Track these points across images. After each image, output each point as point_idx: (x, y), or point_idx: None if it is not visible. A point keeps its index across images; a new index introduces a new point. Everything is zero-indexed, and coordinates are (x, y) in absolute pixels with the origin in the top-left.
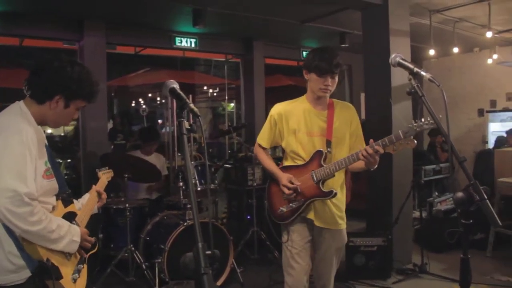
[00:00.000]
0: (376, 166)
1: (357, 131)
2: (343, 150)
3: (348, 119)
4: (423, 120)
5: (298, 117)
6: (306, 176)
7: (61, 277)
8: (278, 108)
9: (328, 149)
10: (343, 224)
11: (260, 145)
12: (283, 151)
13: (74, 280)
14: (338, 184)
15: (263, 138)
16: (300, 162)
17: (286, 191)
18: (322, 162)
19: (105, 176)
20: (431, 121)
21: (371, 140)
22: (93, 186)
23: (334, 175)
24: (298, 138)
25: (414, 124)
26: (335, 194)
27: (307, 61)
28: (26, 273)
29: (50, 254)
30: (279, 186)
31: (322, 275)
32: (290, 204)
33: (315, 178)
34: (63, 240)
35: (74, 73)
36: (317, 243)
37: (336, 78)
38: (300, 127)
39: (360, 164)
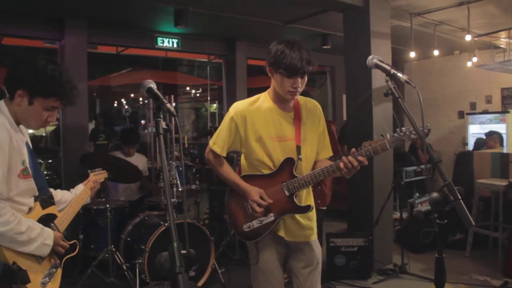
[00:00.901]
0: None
1: (324, 133)
2: (312, 156)
3: (315, 119)
4: (408, 128)
5: (264, 119)
6: (276, 188)
7: (28, 281)
8: (239, 109)
9: (299, 156)
10: (315, 233)
11: (213, 151)
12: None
13: (44, 285)
14: (308, 193)
15: (219, 143)
16: (266, 171)
17: (257, 209)
18: (294, 172)
19: (96, 177)
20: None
21: (353, 150)
22: (90, 174)
23: (308, 187)
24: (264, 143)
25: (401, 134)
26: (312, 208)
27: (273, 58)
28: None
29: (18, 257)
30: (241, 199)
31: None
32: (257, 221)
33: (286, 192)
34: (34, 242)
35: (46, 70)
36: (293, 259)
37: (306, 77)
38: (266, 131)
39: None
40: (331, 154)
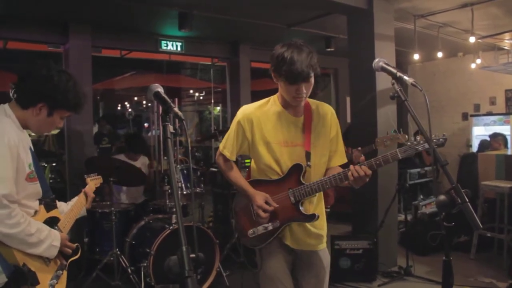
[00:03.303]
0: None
1: (337, 139)
2: (323, 162)
3: (327, 124)
4: (422, 138)
5: (272, 124)
6: (282, 195)
7: (37, 283)
8: (246, 113)
9: (308, 162)
10: (324, 243)
11: (223, 155)
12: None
13: (52, 286)
14: (320, 199)
15: (228, 147)
16: (274, 177)
17: (262, 214)
18: (301, 179)
19: (93, 182)
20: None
21: (362, 157)
22: (82, 190)
23: (315, 195)
24: (272, 149)
25: (414, 143)
26: (318, 217)
27: (275, 64)
28: (2, 278)
29: (27, 259)
30: (248, 204)
31: None
32: (262, 227)
33: (292, 198)
34: (42, 244)
35: (61, 82)
36: (300, 268)
37: (312, 80)
38: (274, 136)
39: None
40: (345, 161)
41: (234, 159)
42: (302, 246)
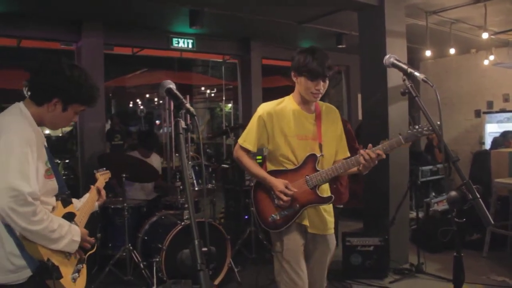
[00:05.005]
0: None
1: (341, 135)
2: (331, 154)
3: (334, 122)
4: (423, 125)
5: (288, 119)
6: (300, 181)
7: (61, 276)
8: (266, 108)
9: (321, 153)
10: (332, 228)
11: (243, 148)
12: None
13: (74, 280)
14: (327, 187)
15: (249, 140)
16: (290, 167)
17: (284, 198)
18: (316, 167)
19: (102, 177)
20: (430, 127)
21: (370, 145)
22: (92, 186)
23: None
24: (288, 141)
25: (414, 130)
26: (333, 198)
27: (297, 63)
28: (27, 273)
29: (51, 254)
30: (267, 192)
31: (317, 281)
32: (282, 212)
33: (310, 183)
34: (64, 239)
35: (73, 77)
36: (311, 250)
37: (327, 81)
38: (291, 129)
39: (353, 168)
40: (348, 155)
41: (256, 151)
42: (317, 230)
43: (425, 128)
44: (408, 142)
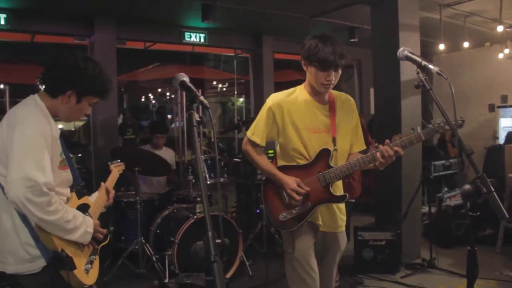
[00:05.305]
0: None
1: (357, 127)
2: (346, 148)
3: (349, 112)
4: (442, 120)
5: (300, 111)
6: (312, 178)
7: (75, 267)
8: (276, 99)
9: (335, 147)
10: (344, 226)
11: (252, 142)
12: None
13: (87, 271)
14: (341, 184)
15: (258, 133)
16: (302, 162)
17: (296, 197)
18: (330, 162)
19: (116, 169)
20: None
21: (387, 141)
22: (102, 183)
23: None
24: (300, 134)
25: (435, 125)
26: (348, 197)
27: (307, 52)
28: (41, 263)
29: (65, 245)
30: (278, 189)
31: (328, 280)
32: (293, 210)
33: (323, 181)
34: (78, 230)
35: (87, 69)
36: (321, 249)
37: (340, 70)
38: (303, 122)
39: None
40: (364, 147)
41: (264, 145)
42: (328, 228)
43: (445, 123)
44: (428, 137)
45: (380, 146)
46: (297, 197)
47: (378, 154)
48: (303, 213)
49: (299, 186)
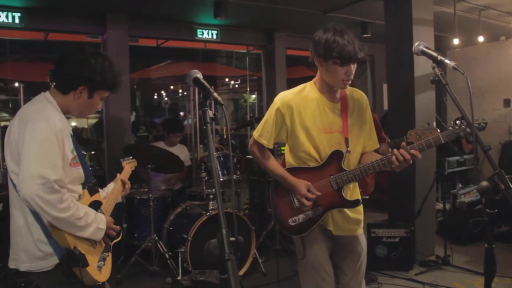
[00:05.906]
0: None
1: (370, 125)
2: (359, 148)
3: (362, 109)
4: (463, 122)
5: (311, 110)
6: (323, 182)
7: (87, 264)
8: (285, 99)
9: (348, 148)
10: (361, 227)
11: (259, 143)
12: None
13: (100, 268)
14: (355, 185)
15: (265, 135)
16: (313, 164)
17: (307, 203)
18: (342, 165)
19: (129, 165)
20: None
21: (403, 144)
22: (118, 175)
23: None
24: (311, 135)
25: (456, 127)
26: (361, 202)
27: (324, 48)
28: (54, 260)
29: (77, 242)
30: (287, 193)
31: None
32: (304, 215)
33: (335, 185)
34: (90, 227)
35: (98, 64)
36: (341, 256)
37: (356, 64)
38: (313, 122)
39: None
40: (377, 146)
41: (272, 147)
42: (343, 232)
43: (465, 125)
44: (448, 140)
45: (395, 150)
46: (308, 203)
47: (394, 158)
48: (314, 218)
49: (309, 191)
